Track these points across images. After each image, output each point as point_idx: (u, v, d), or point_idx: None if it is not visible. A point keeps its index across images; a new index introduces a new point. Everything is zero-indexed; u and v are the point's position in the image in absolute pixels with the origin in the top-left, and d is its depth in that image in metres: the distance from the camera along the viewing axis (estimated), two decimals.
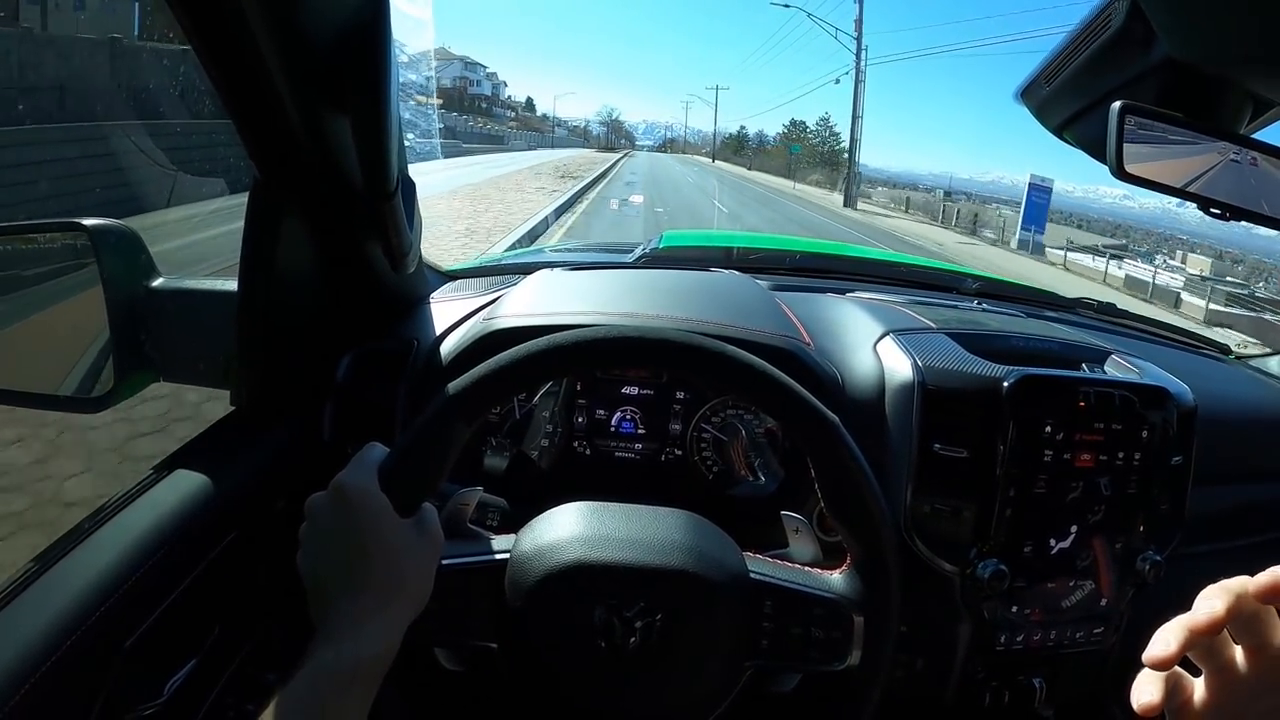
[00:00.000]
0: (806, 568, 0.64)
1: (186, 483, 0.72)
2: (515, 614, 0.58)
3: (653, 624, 0.57)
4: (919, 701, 0.89)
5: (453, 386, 0.57)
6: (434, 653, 0.70)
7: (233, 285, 0.79)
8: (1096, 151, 0.79)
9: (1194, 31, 0.70)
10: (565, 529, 0.61)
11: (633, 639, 0.57)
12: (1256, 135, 0.78)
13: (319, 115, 0.65)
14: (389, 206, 0.69)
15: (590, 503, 0.63)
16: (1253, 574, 0.40)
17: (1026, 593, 0.84)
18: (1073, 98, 0.81)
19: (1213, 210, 0.76)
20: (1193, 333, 1.40)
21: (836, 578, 0.62)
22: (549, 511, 0.63)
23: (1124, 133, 0.70)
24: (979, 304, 1.20)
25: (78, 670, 0.55)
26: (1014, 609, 0.84)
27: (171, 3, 0.54)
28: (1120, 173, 0.71)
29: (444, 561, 0.58)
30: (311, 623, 0.53)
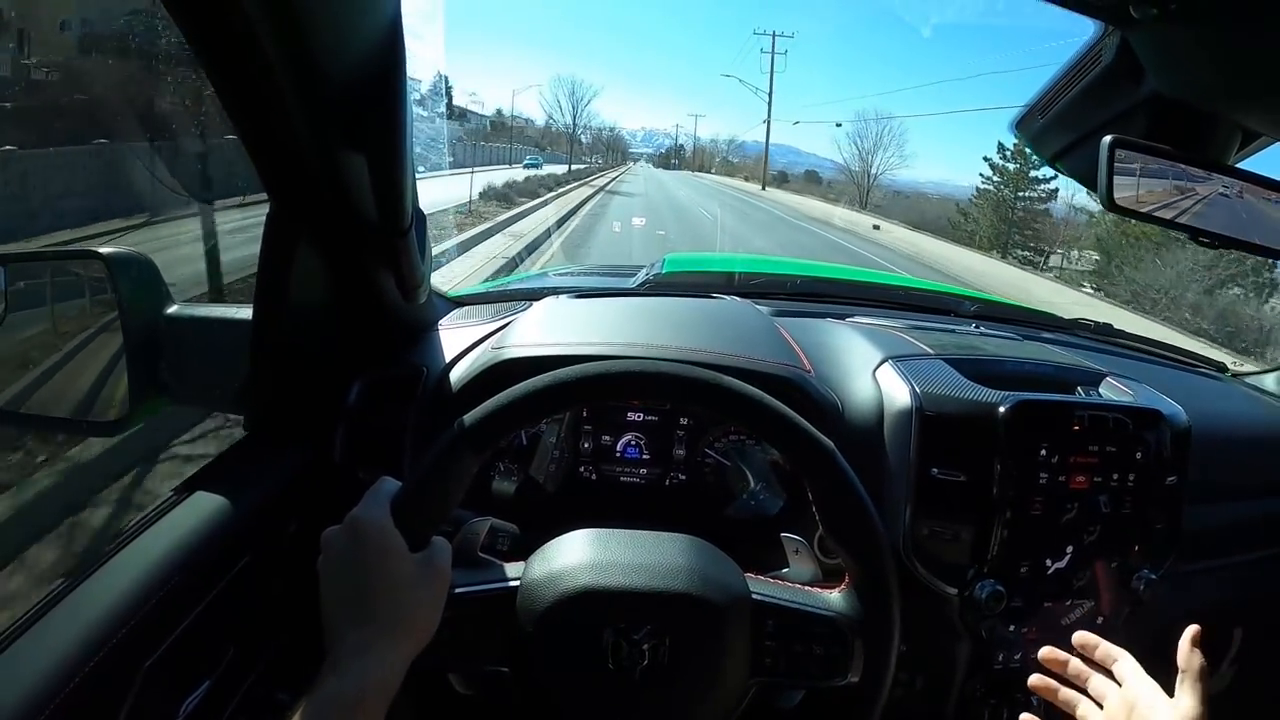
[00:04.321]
0: (806, 587, 0.66)
1: (203, 506, 0.73)
2: (526, 638, 0.60)
3: (660, 646, 0.59)
4: (919, 719, 0.90)
5: (461, 421, 0.60)
6: (447, 677, 0.71)
7: (246, 313, 0.81)
8: (1089, 182, 0.81)
9: (1180, 67, 0.72)
10: (574, 556, 0.63)
11: (641, 661, 0.59)
12: (1243, 164, 0.81)
13: (336, 155, 0.67)
14: (403, 243, 0.71)
15: (597, 530, 0.65)
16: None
17: (1024, 612, 0.86)
18: (1065, 130, 0.83)
19: (1202, 240, 0.78)
20: (1188, 351, 1.41)
21: (835, 596, 0.64)
22: (557, 539, 0.65)
23: (1114, 166, 0.72)
24: (976, 327, 1.22)
25: (98, 693, 0.56)
26: (1012, 628, 0.86)
27: (193, 44, 0.56)
28: (1111, 205, 0.73)
29: (457, 590, 0.60)
30: (324, 643, 0.55)
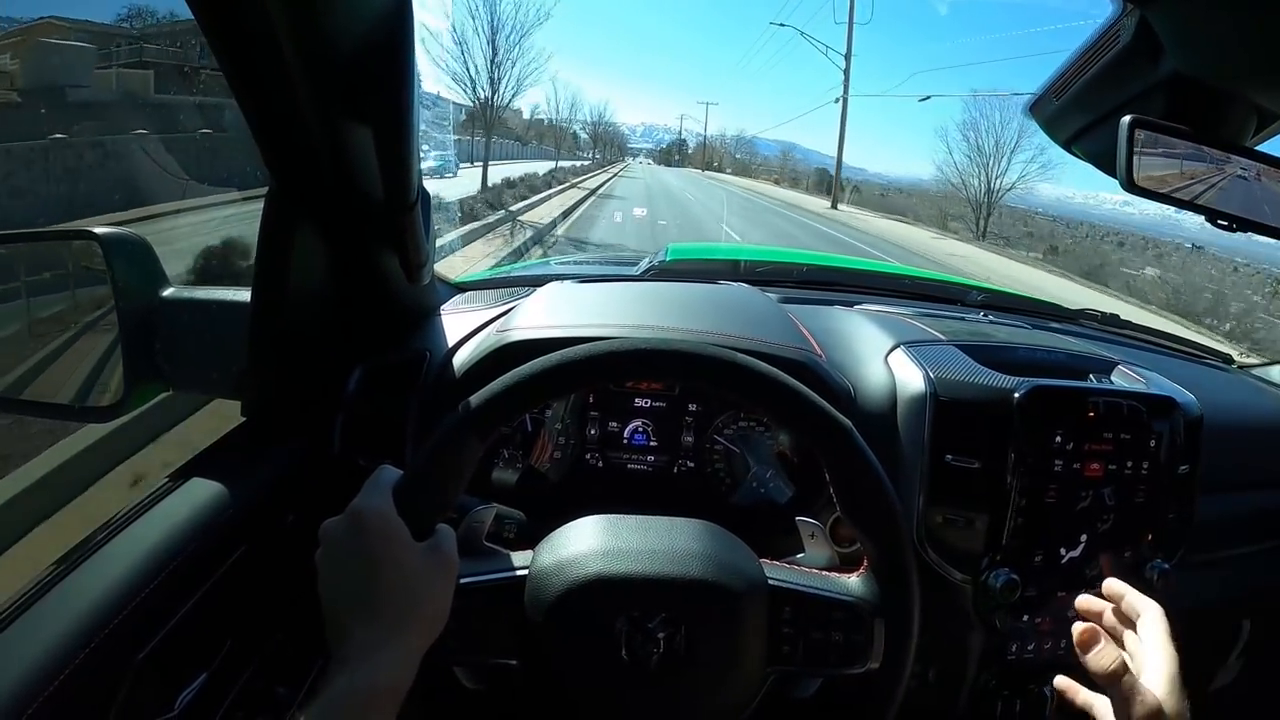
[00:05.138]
0: (823, 572, 0.64)
1: (198, 495, 0.71)
2: (536, 629, 0.58)
3: (674, 634, 0.57)
4: (932, 711, 0.89)
5: (465, 404, 0.57)
6: (454, 673, 0.69)
7: (244, 296, 0.79)
8: (1105, 165, 0.80)
9: (1200, 46, 0.71)
10: (584, 543, 0.61)
11: (655, 650, 0.57)
12: (1263, 147, 0.80)
13: (340, 127, 0.65)
14: (409, 219, 0.70)
15: (607, 515, 0.63)
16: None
17: (1037, 602, 0.85)
18: (1082, 112, 0.82)
19: (1220, 221, 0.77)
20: (1196, 343, 1.41)
21: (854, 581, 0.62)
22: (566, 525, 0.63)
23: (1134, 146, 0.71)
24: (985, 316, 1.21)
25: (90, 684, 0.54)
26: (1025, 618, 0.85)
27: (198, 16, 0.54)
28: (1130, 185, 0.72)
29: (463, 580, 0.58)
30: (322, 636, 0.53)
